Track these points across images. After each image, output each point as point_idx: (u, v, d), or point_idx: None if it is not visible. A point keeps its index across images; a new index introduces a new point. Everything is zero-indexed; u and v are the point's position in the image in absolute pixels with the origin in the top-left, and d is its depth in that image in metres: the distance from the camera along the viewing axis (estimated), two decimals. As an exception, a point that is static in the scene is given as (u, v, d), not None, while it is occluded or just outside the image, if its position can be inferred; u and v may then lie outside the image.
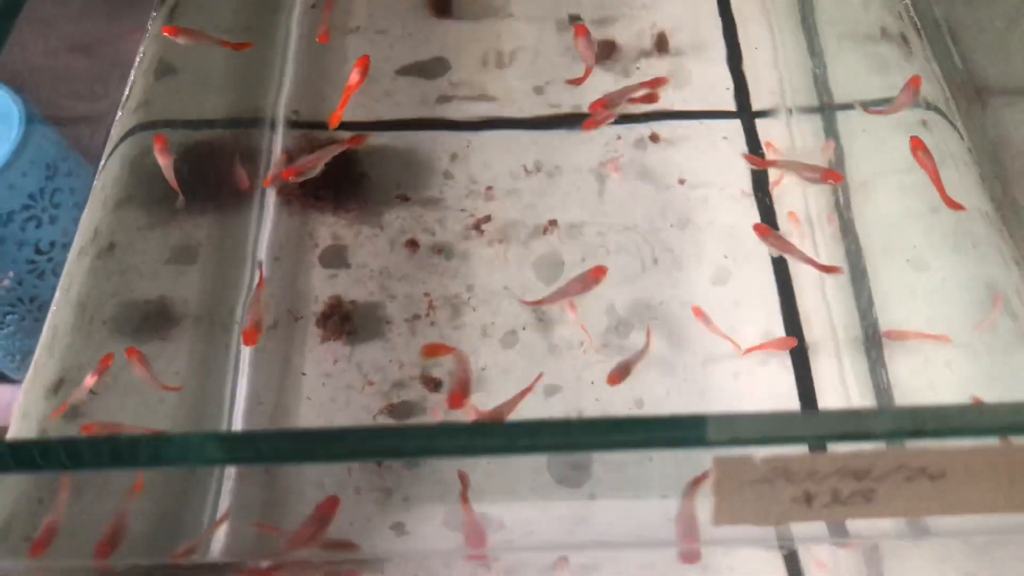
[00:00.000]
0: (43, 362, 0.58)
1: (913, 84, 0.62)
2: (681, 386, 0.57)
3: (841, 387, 0.57)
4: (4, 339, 1.02)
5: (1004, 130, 0.62)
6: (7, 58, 0.55)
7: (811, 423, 0.28)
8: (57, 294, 0.60)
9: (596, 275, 0.58)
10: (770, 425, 0.27)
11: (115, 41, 0.70)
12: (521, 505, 0.53)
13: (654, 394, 0.57)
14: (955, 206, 0.58)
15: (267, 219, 0.66)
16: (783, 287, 0.61)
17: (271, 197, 0.67)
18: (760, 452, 0.26)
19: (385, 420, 0.58)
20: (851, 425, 0.28)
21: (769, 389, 0.57)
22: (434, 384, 0.59)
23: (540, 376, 0.57)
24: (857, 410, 0.48)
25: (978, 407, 0.28)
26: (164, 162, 0.61)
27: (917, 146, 0.59)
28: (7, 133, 0.93)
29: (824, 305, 0.60)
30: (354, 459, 0.47)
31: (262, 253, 0.64)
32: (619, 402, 0.57)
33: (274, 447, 0.32)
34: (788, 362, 0.58)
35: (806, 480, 0.27)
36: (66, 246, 0.98)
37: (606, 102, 0.64)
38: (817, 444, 0.28)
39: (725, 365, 0.58)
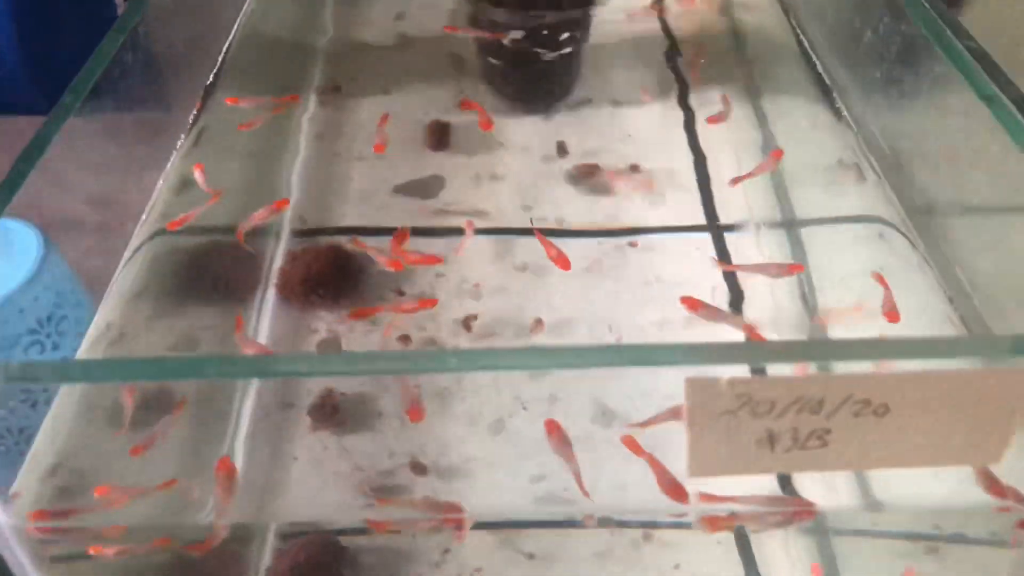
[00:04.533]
0: (42, 451, 0.59)
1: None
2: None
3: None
4: (-15, 468, 1.02)
5: (953, 241, 0.68)
6: (32, 201, 0.62)
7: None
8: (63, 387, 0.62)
9: None
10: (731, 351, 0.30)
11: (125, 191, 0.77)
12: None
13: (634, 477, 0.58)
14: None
15: (266, 314, 0.69)
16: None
17: (271, 294, 0.71)
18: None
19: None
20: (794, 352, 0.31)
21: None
22: (421, 469, 0.60)
23: None
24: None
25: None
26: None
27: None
28: (25, 262, 0.99)
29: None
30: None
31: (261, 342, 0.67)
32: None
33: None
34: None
35: (768, 415, 0.29)
36: (63, 375, 1.01)
37: None
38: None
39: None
